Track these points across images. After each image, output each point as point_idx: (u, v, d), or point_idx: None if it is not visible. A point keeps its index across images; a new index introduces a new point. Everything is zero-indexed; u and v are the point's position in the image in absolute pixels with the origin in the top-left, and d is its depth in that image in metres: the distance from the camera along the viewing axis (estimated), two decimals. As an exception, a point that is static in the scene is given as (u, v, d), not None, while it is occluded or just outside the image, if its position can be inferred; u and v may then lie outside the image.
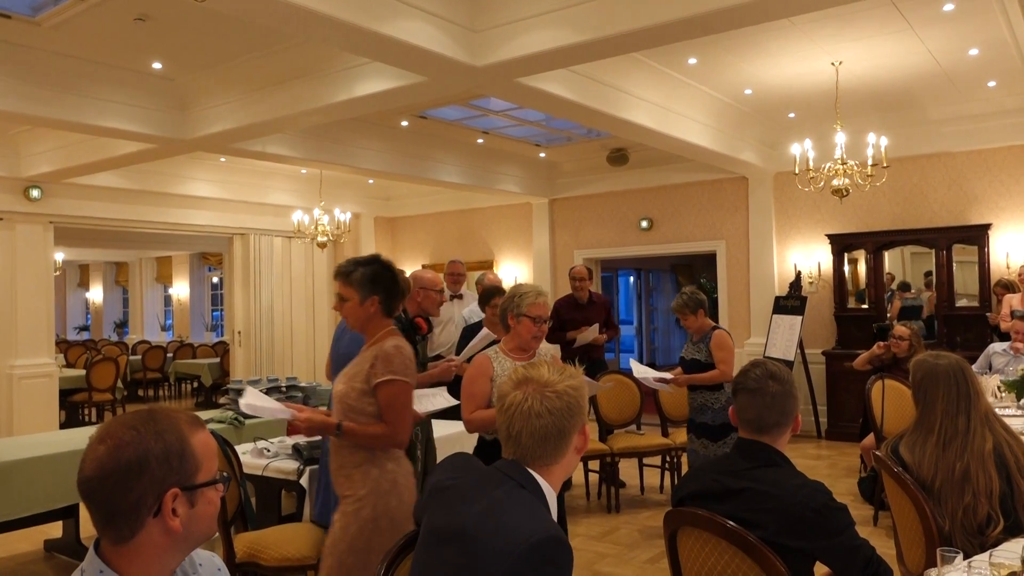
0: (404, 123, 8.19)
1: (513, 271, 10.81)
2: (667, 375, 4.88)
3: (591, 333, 6.35)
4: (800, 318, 8.13)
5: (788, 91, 7.08)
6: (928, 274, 8.39)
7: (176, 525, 1.29)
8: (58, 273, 9.90)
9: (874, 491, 5.32)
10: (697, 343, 4.87)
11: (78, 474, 1.28)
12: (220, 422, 5.13)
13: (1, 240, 8.57)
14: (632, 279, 16.36)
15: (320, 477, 3.58)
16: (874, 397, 5.16)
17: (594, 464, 6.17)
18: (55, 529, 5.05)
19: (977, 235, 7.74)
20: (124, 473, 1.25)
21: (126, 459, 1.25)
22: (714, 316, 11.66)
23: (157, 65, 6.18)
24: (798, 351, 8.11)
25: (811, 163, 6.30)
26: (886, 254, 8.45)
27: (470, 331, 4.86)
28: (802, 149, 6.33)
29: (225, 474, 1.41)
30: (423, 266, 11.91)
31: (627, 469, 6.33)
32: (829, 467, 6.94)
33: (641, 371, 4.95)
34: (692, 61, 6.26)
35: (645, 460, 6.14)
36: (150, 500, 1.27)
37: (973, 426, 2.63)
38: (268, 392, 5.57)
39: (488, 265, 11.05)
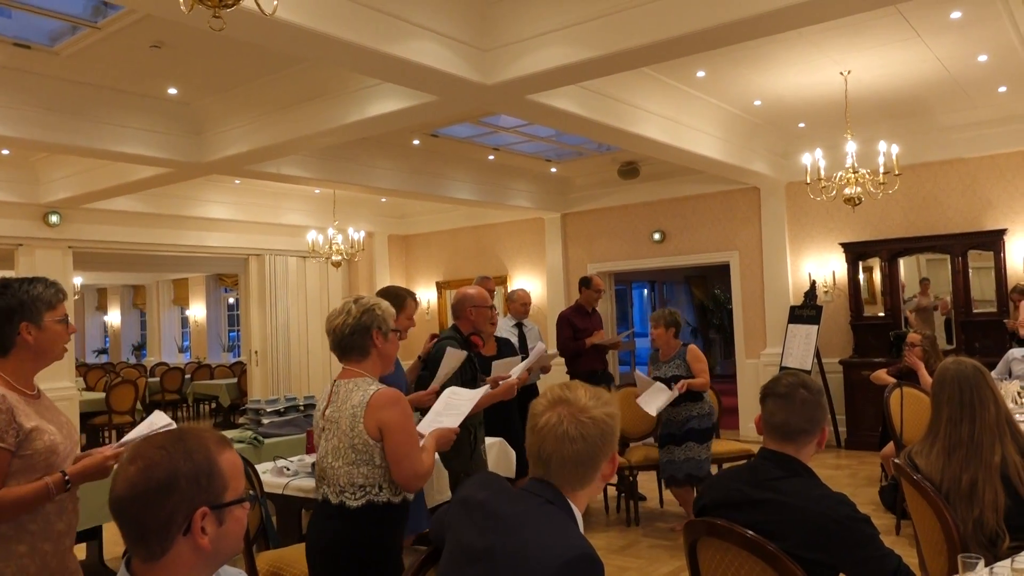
0: (416, 142, 8.26)
1: (527, 286, 10.83)
2: (671, 390, 5.24)
3: (600, 337, 6.63)
4: (816, 327, 8.11)
5: (797, 101, 7.10)
6: (923, 280, 8.43)
7: (205, 543, 1.32)
8: (77, 297, 10.02)
9: (895, 500, 5.28)
10: (670, 361, 5.42)
11: (110, 493, 1.31)
12: (240, 442, 5.16)
13: (22, 266, 8.70)
14: (646, 291, 16.36)
15: None
16: (893, 405, 5.14)
17: (612, 478, 6.15)
18: (79, 551, 5.09)
19: (992, 240, 7.71)
20: (155, 492, 1.28)
21: (156, 479, 1.28)
22: (728, 327, 11.63)
23: (173, 91, 6.28)
24: (815, 360, 8.08)
25: (822, 172, 6.30)
26: (901, 261, 8.41)
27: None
28: (813, 159, 6.34)
29: (252, 492, 1.44)
30: (437, 283, 11.98)
31: (645, 483, 6.31)
32: (849, 477, 6.89)
33: (647, 390, 5.31)
34: (701, 74, 6.29)
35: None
36: (180, 519, 1.30)
37: (979, 436, 2.60)
38: (286, 411, 5.63)
39: (502, 281, 11.08)
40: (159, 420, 2.58)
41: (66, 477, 2.23)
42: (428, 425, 2.92)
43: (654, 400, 5.25)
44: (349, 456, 2.51)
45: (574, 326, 6.57)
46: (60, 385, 8.51)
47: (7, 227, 8.50)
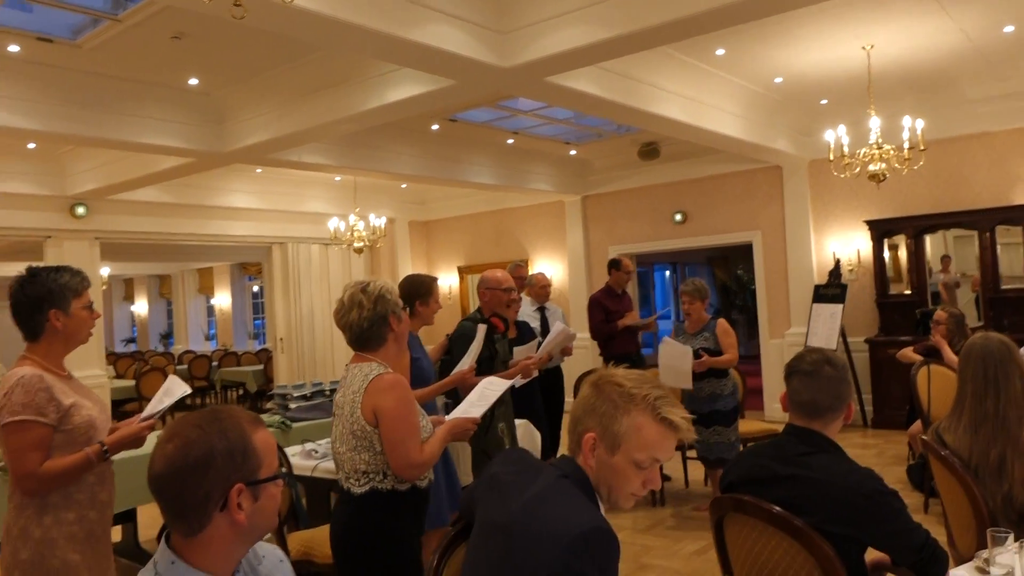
0: (435, 127, 8.27)
1: (548, 269, 10.84)
2: (686, 349, 5.13)
3: (633, 318, 6.65)
4: (841, 306, 8.03)
5: (819, 77, 7.01)
6: (945, 258, 8.33)
7: (241, 518, 1.35)
8: (105, 288, 10.17)
9: (923, 478, 5.25)
10: (698, 334, 5.27)
11: (148, 471, 1.35)
12: (268, 426, 5.21)
13: (51, 258, 8.84)
14: (668, 273, 16.29)
15: None
16: (920, 383, 5.09)
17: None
18: (115, 533, 5.21)
19: (1021, 215, 7.58)
20: (192, 469, 1.32)
21: (194, 456, 1.32)
22: (752, 307, 11.55)
23: (194, 81, 6.33)
24: (840, 339, 8.02)
25: (846, 149, 6.23)
26: (927, 238, 8.31)
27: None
28: (836, 135, 6.26)
29: (284, 470, 1.48)
30: (459, 268, 12.01)
31: (670, 463, 6.31)
32: (877, 456, 6.85)
33: (671, 351, 5.15)
34: (720, 52, 6.23)
35: (688, 453, 6.13)
36: (216, 495, 1.33)
37: (1004, 410, 2.59)
38: (312, 396, 5.69)
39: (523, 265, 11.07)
40: (176, 386, 2.69)
41: (104, 447, 2.37)
42: (460, 414, 2.90)
43: (676, 373, 5.08)
44: (350, 442, 2.48)
45: (606, 309, 6.58)
46: (91, 373, 8.66)
47: (35, 219, 8.64)
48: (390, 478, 2.46)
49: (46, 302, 2.37)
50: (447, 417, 2.87)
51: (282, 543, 3.45)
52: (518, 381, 3.75)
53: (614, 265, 6.81)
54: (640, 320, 6.80)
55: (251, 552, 1.49)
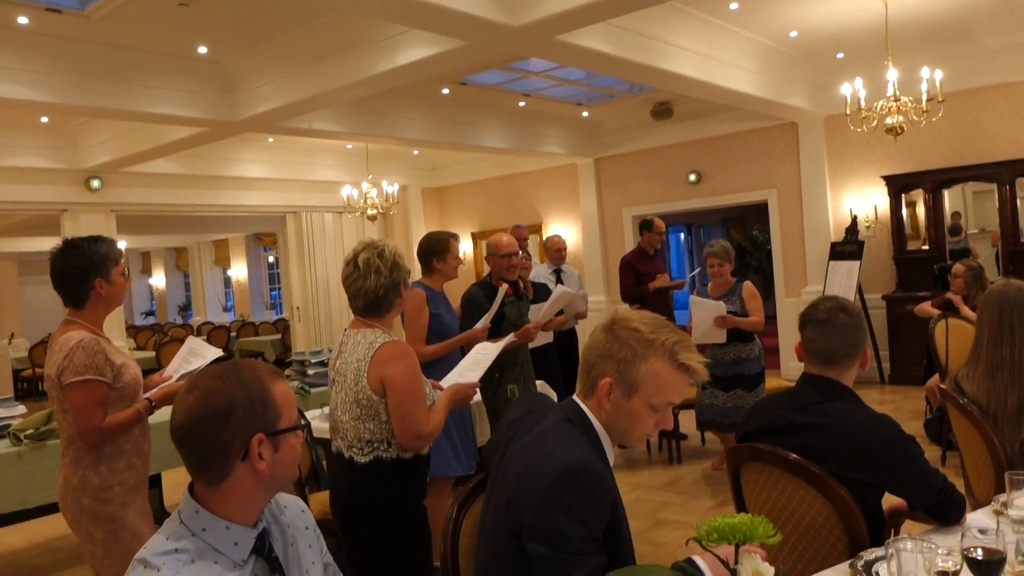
0: (445, 91, 8.21)
1: (562, 232, 10.81)
2: (719, 304, 5.05)
3: (664, 280, 6.55)
4: (858, 263, 7.97)
5: (835, 31, 6.88)
6: (956, 214, 8.24)
7: (263, 468, 1.38)
8: (123, 260, 10.28)
9: (941, 431, 5.24)
10: (723, 297, 5.14)
11: (170, 423, 1.37)
12: (287, 392, 5.29)
13: (68, 231, 8.92)
14: (682, 235, 16.20)
15: None
16: (938, 337, 5.07)
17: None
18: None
19: (1042, 167, 7.46)
20: (212, 419, 1.34)
21: (214, 406, 1.34)
22: (768, 266, 11.48)
23: (203, 49, 6.30)
24: (857, 296, 7.97)
25: (863, 103, 6.12)
26: (946, 193, 8.20)
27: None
28: (853, 88, 6.15)
29: (303, 421, 1.50)
30: (472, 234, 12.01)
31: (686, 421, 6.35)
32: (894, 411, 6.84)
33: (702, 309, 5.06)
34: (734, 6, 6.12)
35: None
36: (237, 445, 1.36)
37: (1020, 356, 2.57)
38: (329, 362, 5.74)
39: (537, 229, 11.06)
40: (199, 346, 2.87)
41: (152, 402, 2.63)
42: (453, 380, 2.89)
43: (709, 330, 5.01)
44: (355, 411, 2.43)
45: (636, 271, 6.51)
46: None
47: (51, 193, 8.71)
48: (394, 447, 2.42)
49: (91, 271, 2.54)
50: (443, 383, 2.84)
51: (304, 502, 3.51)
52: (510, 344, 3.75)
53: (646, 226, 6.69)
54: (672, 281, 6.66)
55: (273, 502, 1.52)
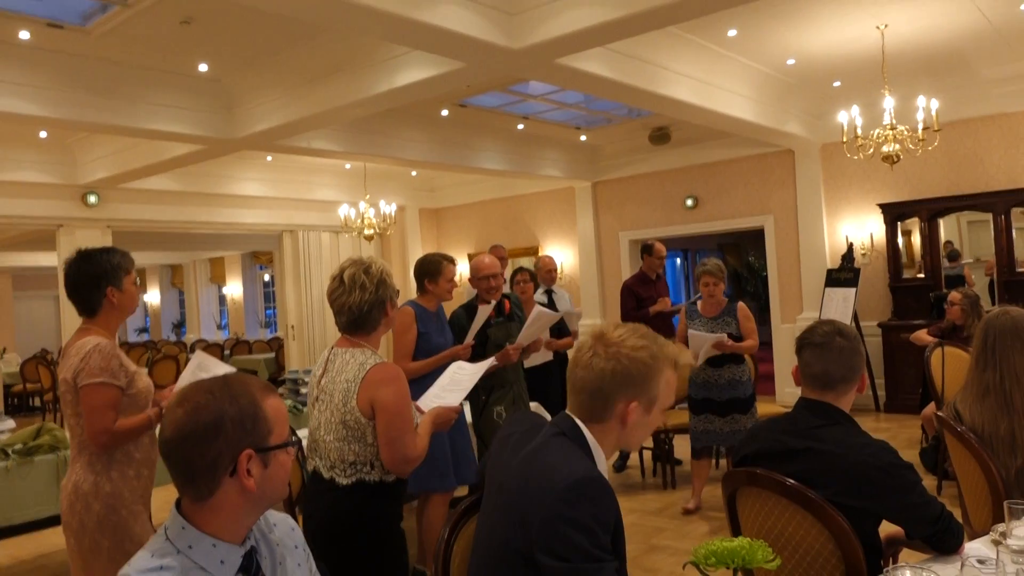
0: (444, 112, 8.25)
1: (559, 256, 10.82)
2: (719, 337, 4.90)
3: (665, 305, 6.52)
4: (854, 290, 7.98)
5: (832, 59, 6.94)
6: (949, 243, 8.28)
7: (251, 484, 1.35)
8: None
9: (937, 460, 5.22)
10: (718, 319, 5.01)
11: (159, 436, 1.35)
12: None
13: (64, 246, 8.90)
14: (679, 260, 16.21)
15: None
16: (934, 365, 5.06)
17: (647, 442, 6.17)
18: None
19: (1037, 198, 7.50)
20: (201, 434, 1.31)
21: (203, 421, 1.31)
22: (763, 294, 11.49)
23: (203, 67, 6.33)
24: (853, 323, 7.96)
25: (859, 131, 6.17)
26: (941, 222, 8.24)
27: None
28: (849, 116, 6.20)
29: (295, 438, 1.47)
30: (468, 255, 12.00)
31: (681, 446, 6.29)
32: (890, 440, 6.70)
33: (699, 342, 4.91)
34: (732, 33, 6.17)
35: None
36: (226, 460, 1.33)
37: (1007, 384, 2.58)
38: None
39: (534, 251, 11.06)
40: (207, 360, 2.86)
41: (162, 410, 2.62)
42: (430, 401, 2.83)
43: (705, 354, 4.91)
44: (340, 431, 2.38)
45: (637, 295, 6.52)
46: (104, 361, 8.70)
47: (48, 208, 8.69)
48: (377, 469, 2.39)
49: (104, 280, 2.60)
50: (420, 402, 2.79)
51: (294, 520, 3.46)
52: (491, 367, 3.72)
53: (646, 250, 6.68)
54: (673, 306, 6.59)
55: (262, 520, 1.49)
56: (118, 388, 2.53)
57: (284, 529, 1.55)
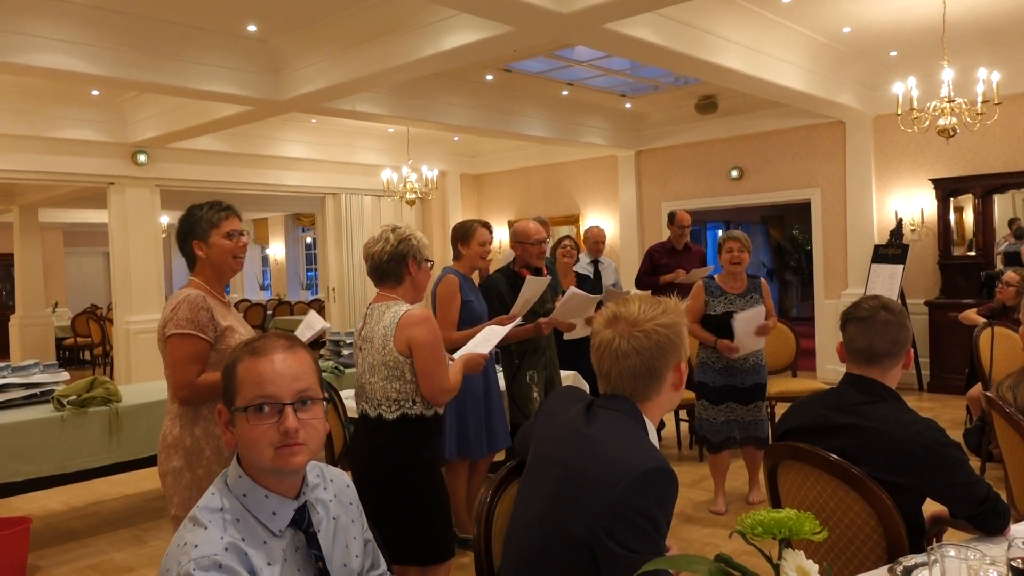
0: (489, 77, 8.19)
1: (600, 224, 10.73)
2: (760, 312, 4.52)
3: (677, 275, 6.34)
4: (901, 267, 7.82)
5: (890, 27, 6.72)
6: (1015, 220, 8.02)
7: (228, 439, 1.46)
8: (164, 236, 10.43)
9: (981, 442, 5.13)
10: (745, 295, 4.54)
11: None
12: (323, 371, 5.35)
13: (114, 204, 9.10)
14: (720, 232, 16.01)
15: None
16: (983, 345, 4.96)
17: (684, 414, 6.16)
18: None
19: (1099, 175, 7.23)
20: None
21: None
22: (806, 268, 11.33)
23: (252, 27, 6.36)
24: (899, 301, 7.81)
25: (915, 103, 5.98)
26: (996, 199, 7.99)
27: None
28: (905, 88, 6.01)
29: (327, 395, 1.55)
30: (509, 222, 11.98)
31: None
32: (933, 419, 6.70)
33: (745, 325, 4.45)
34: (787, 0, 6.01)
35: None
36: (225, 415, 1.48)
37: None
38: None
39: (574, 220, 11.02)
40: (315, 320, 3.42)
41: None
42: (462, 354, 3.13)
43: (752, 340, 4.46)
44: (382, 372, 2.66)
45: (654, 261, 6.48)
46: (152, 317, 8.94)
47: (99, 166, 8.87)
48: (419, 404, 2.66)
49: (189, 235, 2.59)
50: (456, 355, 3.04)
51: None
52: (522, 330, 4.05)
53: (669, 219, 6.68)
54: (687, 279, 6.27)
55: (320, 475, 1.55)
56: (205, 341, 2.46)
57: (339, 486, 1.59)
